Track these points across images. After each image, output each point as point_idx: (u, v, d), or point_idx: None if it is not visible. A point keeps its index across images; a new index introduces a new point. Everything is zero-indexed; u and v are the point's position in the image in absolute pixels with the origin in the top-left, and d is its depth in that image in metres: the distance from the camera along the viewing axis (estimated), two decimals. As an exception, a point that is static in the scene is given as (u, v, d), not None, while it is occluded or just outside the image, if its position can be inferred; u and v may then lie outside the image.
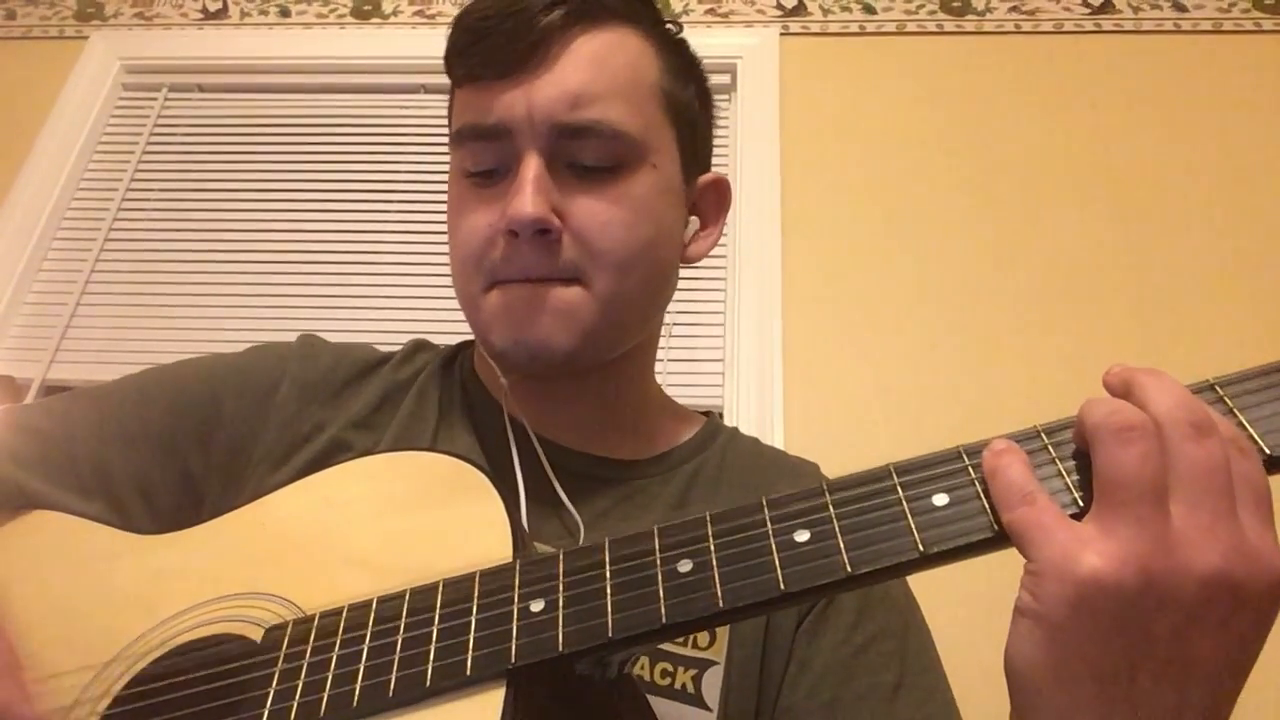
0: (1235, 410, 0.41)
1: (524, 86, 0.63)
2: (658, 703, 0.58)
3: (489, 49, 0.64)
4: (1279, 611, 0.37)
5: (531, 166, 0.62)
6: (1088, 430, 0.40)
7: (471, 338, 0.78)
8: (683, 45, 0.73)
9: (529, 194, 0.61)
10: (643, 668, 0.59)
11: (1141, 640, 0.36)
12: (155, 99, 1.90)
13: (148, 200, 1.81)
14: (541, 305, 0.63)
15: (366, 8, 1.97)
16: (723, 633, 0.61)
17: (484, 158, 0.65)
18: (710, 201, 0.75)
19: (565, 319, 0.63)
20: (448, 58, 0.67)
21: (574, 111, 0.63)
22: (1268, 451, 0.40)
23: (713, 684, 0.60)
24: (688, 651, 0.60)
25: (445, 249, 0.74)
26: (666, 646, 0.60)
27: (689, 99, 0.72)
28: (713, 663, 0.60)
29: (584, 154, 0.64)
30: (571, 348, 0.64)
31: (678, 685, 0.59)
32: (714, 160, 0.79)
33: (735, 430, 0.78)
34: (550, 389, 0.69)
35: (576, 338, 0.64)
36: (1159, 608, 0.36)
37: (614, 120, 0.64)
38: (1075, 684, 0.37)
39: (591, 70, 0.64)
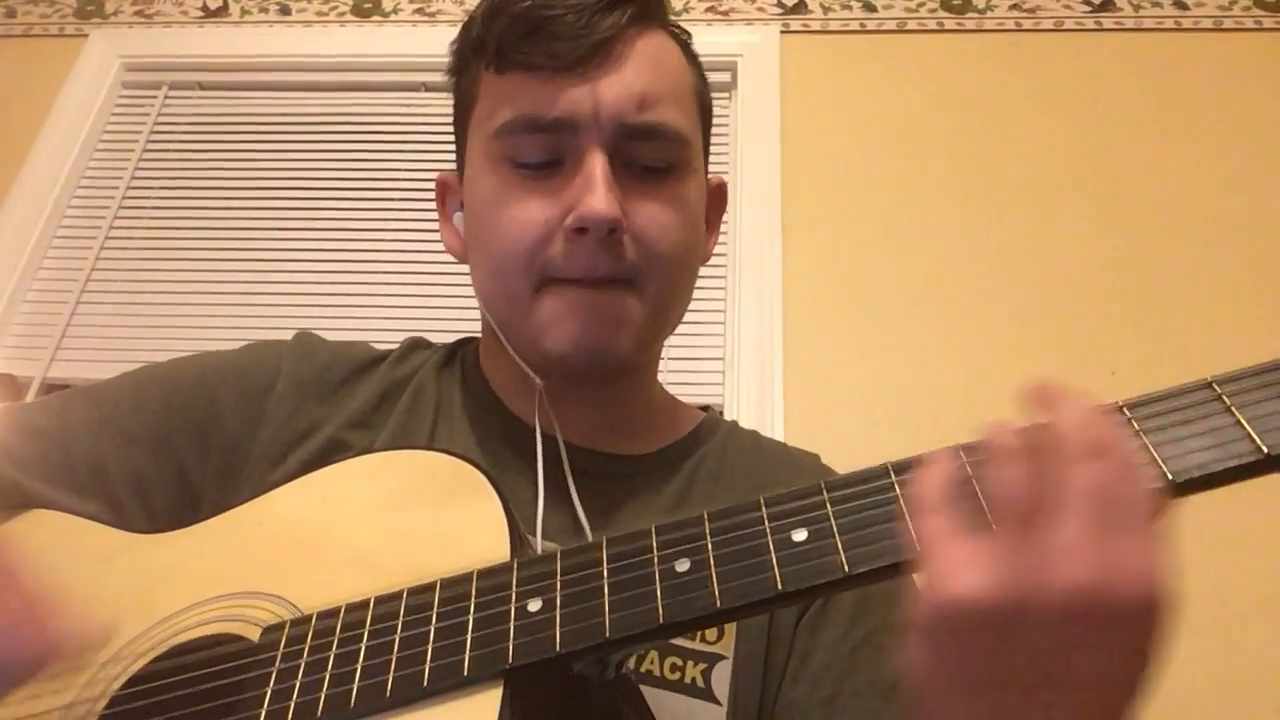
0: (1142, 434, 0.41)
1: (591, 83, 0.62)
2: (668, 698, 0.58)
3: (550, 39, 0.63)
4: (1165, 623, 0.36)
5: (599, 164, 0.61)
6: (985, 450, 0.40)
7: (472, 335, 0.77)
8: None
9: (603, 192, 0.60)
10: (652, 662, 0.59)
11: (1003, 661, 0.37)
12: (155, 97, 1.90)
13: (148, 199, 1.81)
14: (609, 311, 0.62)
15: (367, 5, 1.97)
16: (730, 626, 0.61)
17: (535, 150, 0.64)
18: (713, 205, 0.75)
19: (628, 325, 0.63)
20: (499, 45, 0.65)
21: (641, 113, 0.63)
22: (1266, 450, 0.39)
23: (722, 678, 0.59)
24: (697, 646, 0.60)
25: (444, 247, 0.74)
26: (676, 641, 0.60)
27: (710, 102, 0.73)
28: (722, 657, 0.60)
29: (645, 154, 0.64)
30: (629, 352, 0.64)
31: (688, 680, 0.59)
32: (713, 160, 0.79)
33: (734, 424, 0.78)
34: (572, 391, 0.68)
35: (633, 342, 0.64)
36: (1019, 630, 0.36)
37: (674, 123, 0.65)
38: (945, 696, 0.38)
39: (654, 72, 0.65)
